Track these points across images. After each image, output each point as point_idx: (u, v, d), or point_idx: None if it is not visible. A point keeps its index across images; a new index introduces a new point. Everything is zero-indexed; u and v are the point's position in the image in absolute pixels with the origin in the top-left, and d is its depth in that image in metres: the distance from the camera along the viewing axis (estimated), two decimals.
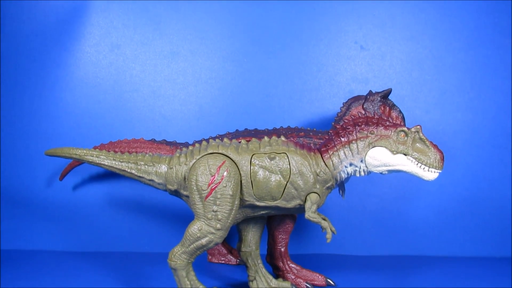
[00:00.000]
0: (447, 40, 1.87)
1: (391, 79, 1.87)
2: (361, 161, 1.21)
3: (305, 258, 1.73)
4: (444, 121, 1.85)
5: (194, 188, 1.20)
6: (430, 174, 1.18)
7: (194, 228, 1.20)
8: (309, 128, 1.54)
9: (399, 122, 1.50)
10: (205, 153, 1.23)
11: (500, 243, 1.81)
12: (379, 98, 1.54)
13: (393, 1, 1.88)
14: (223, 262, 1.73)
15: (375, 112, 1.20)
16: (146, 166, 1.28)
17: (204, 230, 1.19)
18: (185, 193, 1.25)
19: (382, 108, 1.53)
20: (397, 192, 1.85)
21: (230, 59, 1.90)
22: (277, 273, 1.47)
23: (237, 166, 1.21)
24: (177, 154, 1.27)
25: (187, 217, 1.78)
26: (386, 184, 1.85)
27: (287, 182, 1.20)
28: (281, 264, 1.46)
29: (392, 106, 1.55)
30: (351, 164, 1.22)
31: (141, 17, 1.90)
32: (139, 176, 1.29)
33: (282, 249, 1.47)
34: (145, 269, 1.60)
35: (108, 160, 1.31)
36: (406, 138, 1.18)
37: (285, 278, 1.44)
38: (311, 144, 1.42)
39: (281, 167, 1.20)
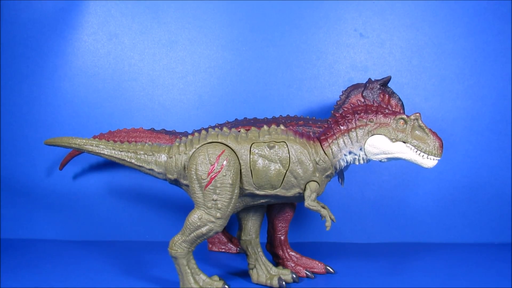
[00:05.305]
0: (446, 27, 1.86)
1: (390, 67, 1.86)
2: (360, 149, 1.21)
3: (305, 246, 1.74)
4: (443, 108, 1.85)
5: (194, 177, 1.20)
6: (429, 162, 1.18)
7: (194, 217, 1.20)
8: (308, 117, 1.54)
9: (398, 110, 1.51)
10: (205, 142, 1.23)
11: (500, 230, 1.81)
12: (378, 86, 1.54)
13: None
14: (223, 250, 1.73)
15: (374, 100, 1.20)
16: (145, 156, 1.28)
17: (204, 219, 1.19)
18: (185, 182, 1.25)
19: (382, 96, 1.53)
20: (396, 179, 1.85)
21: (229, 48, 1.90)
22: (277, 261, 1.47)
23: (236, 155, 1.21)
24: (177, 144, 1.27)
25: (187, 206, 1.78)
26: (385, 172, 1.85)
27: (286, 171, 1.20)
28: (281, 252, 1.46)
29: (392, 94, 1.55)
30: (350, 153, 1.22)
31: (139, 5, 1.88)
32: (139, 166, 1.29)
33: (282, 237, 1.47)
34: (145, 258, 1.60)
35: (107, 150, 1.31)
36: (405, 125, 1.18)
37: (285, 266, 1.44)
38: (310, 133, 1.42)
39: (281, 156, 1.20)
